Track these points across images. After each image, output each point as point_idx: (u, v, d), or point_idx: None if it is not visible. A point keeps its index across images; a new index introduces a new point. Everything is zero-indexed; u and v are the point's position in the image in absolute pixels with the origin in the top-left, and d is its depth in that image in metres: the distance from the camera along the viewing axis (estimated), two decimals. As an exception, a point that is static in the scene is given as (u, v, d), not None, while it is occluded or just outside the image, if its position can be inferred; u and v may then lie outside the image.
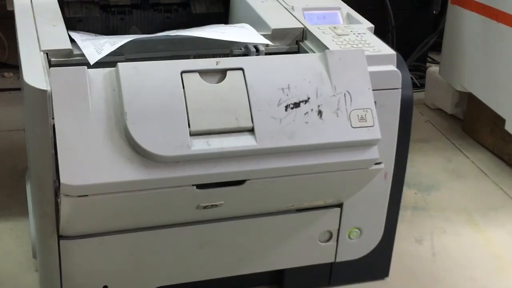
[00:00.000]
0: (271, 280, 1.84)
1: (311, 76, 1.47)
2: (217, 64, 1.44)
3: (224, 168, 1.42)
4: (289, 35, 1.70)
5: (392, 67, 1.61)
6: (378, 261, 1.86)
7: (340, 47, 1.60)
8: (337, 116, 1.47)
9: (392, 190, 1.75)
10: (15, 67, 2.10)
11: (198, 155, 1.38)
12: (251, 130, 1.42)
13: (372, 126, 1.49)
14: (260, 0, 1.85)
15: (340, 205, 1.72)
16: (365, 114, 1.48)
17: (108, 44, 1.54)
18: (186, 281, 1.70)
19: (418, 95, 3.05)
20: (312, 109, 1.45)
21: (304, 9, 1.79)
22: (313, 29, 1.69)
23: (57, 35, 1.57)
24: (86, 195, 1.35)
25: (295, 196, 1.60)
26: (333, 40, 1.64)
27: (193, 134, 1.38)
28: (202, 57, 1.65)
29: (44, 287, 1.60)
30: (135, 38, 1.60)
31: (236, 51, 1.67)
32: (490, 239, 2.15)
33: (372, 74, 1.52)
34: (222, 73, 1.44)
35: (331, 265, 1.82)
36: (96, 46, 1.54)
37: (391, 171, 1.71)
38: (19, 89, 2.68)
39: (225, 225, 1.63)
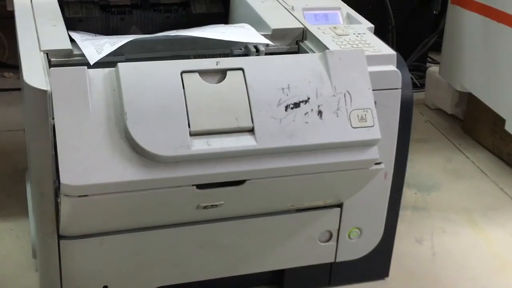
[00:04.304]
0: (271, 280, 1.84)
1: (311, 76, 1.47)
2: (217, 64, 1.44)
3: (224, 168, 1.42)
4: (289, 35, 1.70)
5: (392, 67, 1.61)
6: (378, 261, 1.86)
7: (340, 47, 1.60)
8: (337, 116, 1.47)
9: (392, 190, 1.75)
10: (15, 67, 2.10)
11: (198, 155, 1.38)
12: (251, 130, 1.42)
13: (372, 126, 1.49)
14: (260, 0, 1.85)
15: (340, 205, 1.72)
16: (365, 114, 1.48)
17: (108, 44, 1.54)
18: (186, 281, 1.70)
19: (418, 95, 3.05)
20: (312, 109, 1.45)
21: (304, 9, 1.79)
22: (313, 29, 1.69)
23: (57, 35, 1.57)
24: (86, 195, 1.35)
25: (295, 196, 1.60)
26: (333, 40, 1.64)
27: (193, 134, 1.38)
28: (202, 57, 1.65)
29: (44, 287, 1.60)
30: (135, 38, 1.60)
31: (236, 51, 1.67)
32: (490, 239, 2.15)
33: (372, 74, 1.52)
34: (222, 73, 1.44)
35: (331, 265, 1.82)
36: (96, 46, 1.54)
37: (391, 171, 1.71)
38: (19, 89, 2.68)
39: (225, 225, 1.63)
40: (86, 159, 1.33)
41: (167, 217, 1.56)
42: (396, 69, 1.61)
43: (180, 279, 1.69)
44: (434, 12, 3.35)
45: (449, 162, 2.63)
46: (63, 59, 1.52)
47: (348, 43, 1.63)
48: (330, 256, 1.79)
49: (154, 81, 1.39)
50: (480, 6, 2.54)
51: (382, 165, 1.57)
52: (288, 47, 1.70)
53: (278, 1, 1.85)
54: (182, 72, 1.41)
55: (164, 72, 1.40)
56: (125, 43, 1.55)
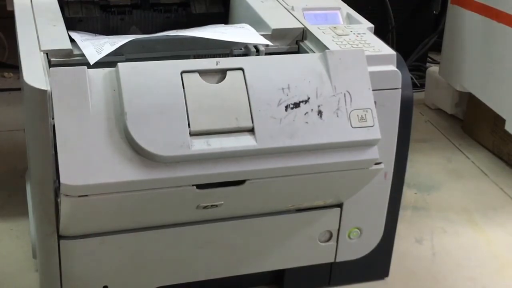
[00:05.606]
0: (271, 280, 1.84)
1: (311, 76, 1.47)
2: (217, 64, 1.44)
3: (224, 168, 1.42)
4: (289, 35, 1.70)
5: (392, 67, 1.61)
6: (378, 261, 1.86)
7: (340, 47, 1.60)
8: (337, 116, 1.47)
9: (392, 190, 1.75)
10: (15, 67, 2.10)
11: (198, 155, 1.38)
12: (251, 130, 1.42)
13: (372, 126, 1.49)
14: (260, 0, 1.85)
15: (340, 205, 1.72)
16: (365, 114, 1.48)
17: (108, 44, 1.54)
18: (186, 281, 1.70)
19: (418, 95, 3.05)
20: (312, 109, 1.45)
21: (304, 9, 1.79)
22: (313, 29, 1.69)
23: (57, 35, 1.57)
24: (86, 195, 1.35)
25: (295, 196, 1.60)
26: (333, 40, 1.64)
27: (193, 134, 1.38)
28: (202, 57, 1.65)
29: (44, 287, 1.60)
30: (135, 38, 1.60)
31: (236, 51, 1.67)
32: (490, 239, 2.15)
33: (372, 74, 1.52)
34: (222, 73, 1.44)
35: (331, 265, 1.82)
36: (96, 46, 1.54)
37: (391, 171, 1.71)
38: (19, 89, 2.68)
39: (225, 225, 1.62)
40: (86, 159, 1.33)
41: (167, 217, 1.56)
42: (396, 69, 1.61)
43: (180, 279, 1.69)
44: (434, 12, 3.35)
45: (449, 162, 2.63)
46: (63, 59, 1.52)
47: (348, 43, 1.63)
48: (330, 256, 1.79)
49: (154, 81, 1.39)
50: (480, 6, 2.54)
51: (382, 165, 1.57)
52: (288, 47, 1.70)
53: (278, 1, 1.85)
54: (182, 72, 1.41)
55: (164, 72, 1.40)
56: (125, 43, 1.55)
